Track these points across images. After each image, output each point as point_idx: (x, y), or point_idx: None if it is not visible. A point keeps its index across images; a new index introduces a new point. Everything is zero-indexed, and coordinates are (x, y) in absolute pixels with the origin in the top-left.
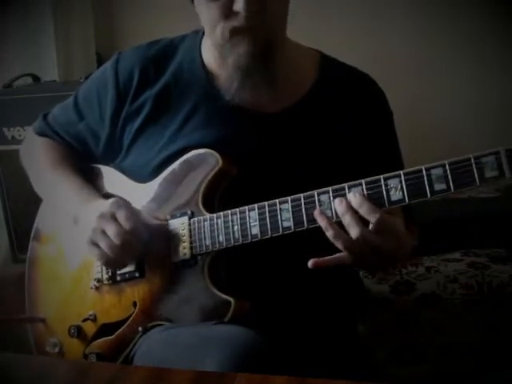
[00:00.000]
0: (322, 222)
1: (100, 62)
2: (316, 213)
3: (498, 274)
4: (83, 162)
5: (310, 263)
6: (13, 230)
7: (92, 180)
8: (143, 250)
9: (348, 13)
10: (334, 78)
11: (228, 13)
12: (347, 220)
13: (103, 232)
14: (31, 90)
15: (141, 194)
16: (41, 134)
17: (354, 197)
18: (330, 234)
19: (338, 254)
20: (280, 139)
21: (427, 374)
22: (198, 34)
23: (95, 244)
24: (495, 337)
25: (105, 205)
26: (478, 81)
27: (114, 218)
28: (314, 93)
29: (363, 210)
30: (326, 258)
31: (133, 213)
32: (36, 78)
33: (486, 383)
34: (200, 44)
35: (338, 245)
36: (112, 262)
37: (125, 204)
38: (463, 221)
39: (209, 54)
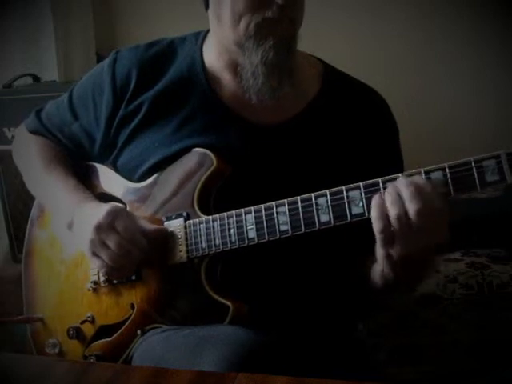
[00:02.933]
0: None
1: (100, 62)
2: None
3: (498, 274)
4: (77, 161)
5: None
6: (13, 230)
7: (86, 178)
8: (143, 257)
9: (348, 13)
10: (336, 90)
11: (261, 3)
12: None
13: (103, 243)
14: (31, 89)
15: (135, 194)
16: (33, 131)
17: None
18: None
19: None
20: (279, 151)
21: (427, 374)
22: (199, 36)
23: (96, 255)
24: (495, 337)
25: (101, 212)
26: (478, 81)
27: (112, 227)
28: (315, 105)
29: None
30: None
31: (131, 220)
32: (36, 78)
33: (486, 383)
34: (201, 47)
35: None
36: (114, 272)
37: (121, 212)
38: (463, 221)
39: (213, 56)
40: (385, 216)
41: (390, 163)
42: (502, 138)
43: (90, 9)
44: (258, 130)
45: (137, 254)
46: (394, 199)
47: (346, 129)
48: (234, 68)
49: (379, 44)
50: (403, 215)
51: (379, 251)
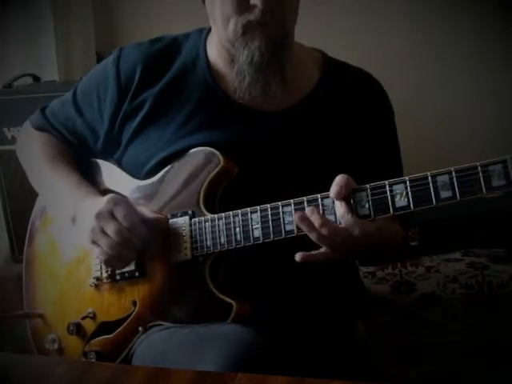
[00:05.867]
0: (305, 227)
1: (100, 62)
2: (297, 219)
3: (498, 274)
4: (81, 157)
5: (298, 257)
6: (13, 230)
7: (90, 175)
8: (143, 247)
9: (348, 12)
10: (336, 78)
11: (243, 7)
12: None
13: (102, 230)
14: (31, 89)
15: (140, 191)
16: (38, 128)
17: (314, 217)
18: (313, 236)
19: (322, 250)
20: (282, 138)
21: (427, 374)
22: (203, 33)
23: (96, 243)
24: (495, 337)
25: (101, 202)
26: (478, 80)
27: (111, 215)
28: (316, 92)
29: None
30: (313, 252)
31: (130, 209)
32: (36, 78)
33: (486, 383)
34: (205, 43)
35: (324, 246)
36: (113, 261)
37: (122, 200)
38: (463, 221)
39: (215, 52)
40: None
41: (388, 145)
42: (502, 137)
43: (90, 9)
44: (263, 117)
45: (136, 243)
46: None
47: (346, 113)
48: (233, 64)
49: (379, 44)
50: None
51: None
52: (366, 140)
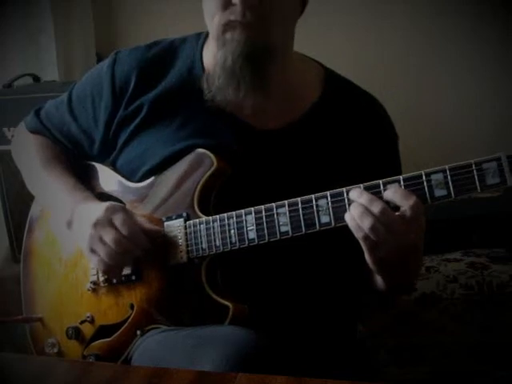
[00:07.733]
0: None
1: (100, 62)
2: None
3: (498, 274)
4: (76, 160)
5: None
6: (13, 230)
7: (86, 178)
8: (141, 256)
9: (347, 12)
10: (337, 96)
11: (226, 4)
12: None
13: (101, 239)
14: (31, 89)
15: (134, 194)
16: (33, 130)
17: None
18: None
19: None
20: (279, 155)
21: (427, 374)
22: (200, 38)
23: (94, 251)
24: (495, 337)
25: (99, 210)
26: (478, 80)
27: (110, 223)
28: (316, 110)
29: (397, 196)
30: None
31: (129, 217)
32: (36, 78)
33: (486, 383)
34: (202, 47)
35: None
36: (111, 269)
37: (120, 208)
38: (463, 221)
39: (212, 58)
40: (361, 227)
41: (388, 170)
42: (502, 138)
43: (90, 9)
44: (259, 133)
45: (135, 252)
46: (360, 213)
47: (346, 134)
48: None
49: (379, 44)
50: (375, 224)
51: (367, 257)
52: (365, 161)
